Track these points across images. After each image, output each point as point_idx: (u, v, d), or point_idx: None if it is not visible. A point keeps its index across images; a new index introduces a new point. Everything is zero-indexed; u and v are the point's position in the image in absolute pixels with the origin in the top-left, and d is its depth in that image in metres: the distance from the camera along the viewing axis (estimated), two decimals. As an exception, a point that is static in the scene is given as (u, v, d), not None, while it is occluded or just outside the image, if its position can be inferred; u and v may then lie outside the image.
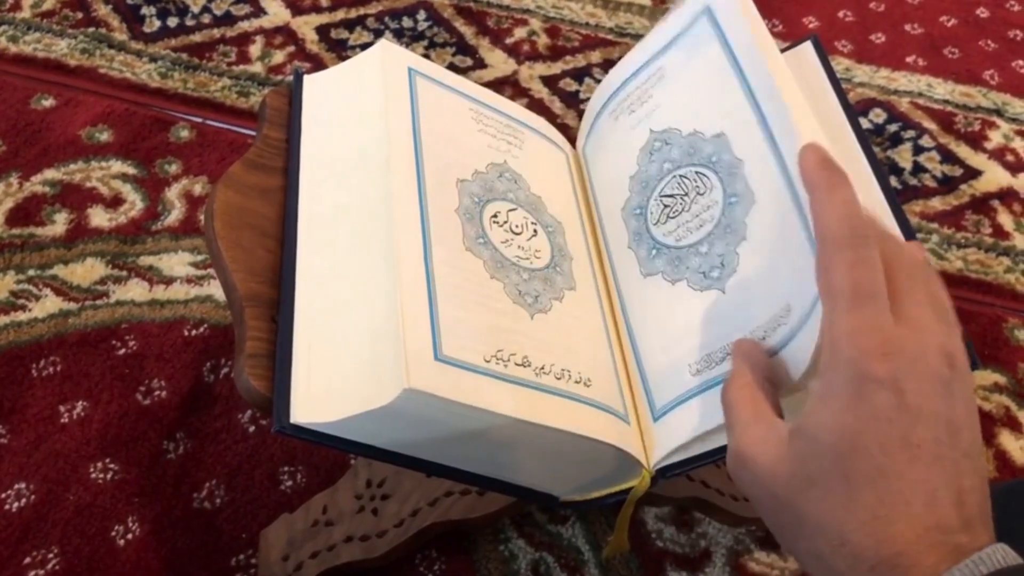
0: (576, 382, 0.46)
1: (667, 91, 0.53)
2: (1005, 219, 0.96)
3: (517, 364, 0.45)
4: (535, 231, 0.53)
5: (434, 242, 0.47)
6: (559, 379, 0.46)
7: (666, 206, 0.51)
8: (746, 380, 0.40)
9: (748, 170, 0.47)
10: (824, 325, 0.36)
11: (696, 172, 0.50)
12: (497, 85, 1.06)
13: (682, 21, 0.53)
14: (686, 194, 0.50)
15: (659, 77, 0.54)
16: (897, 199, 0.48)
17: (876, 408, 0.34)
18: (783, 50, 0.54)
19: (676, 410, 0.47)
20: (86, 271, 0.84)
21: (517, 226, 0.52)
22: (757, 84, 0.47)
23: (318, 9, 1.13)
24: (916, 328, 0.36)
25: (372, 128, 0.52)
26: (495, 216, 0.51)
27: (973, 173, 1.01)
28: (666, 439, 0.47)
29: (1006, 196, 0.99)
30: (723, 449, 0.41)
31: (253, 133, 0.57)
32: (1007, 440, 0.79)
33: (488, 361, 0.44)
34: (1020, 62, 1.14)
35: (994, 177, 1.00)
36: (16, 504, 0.70)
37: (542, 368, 0.45)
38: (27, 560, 0.67)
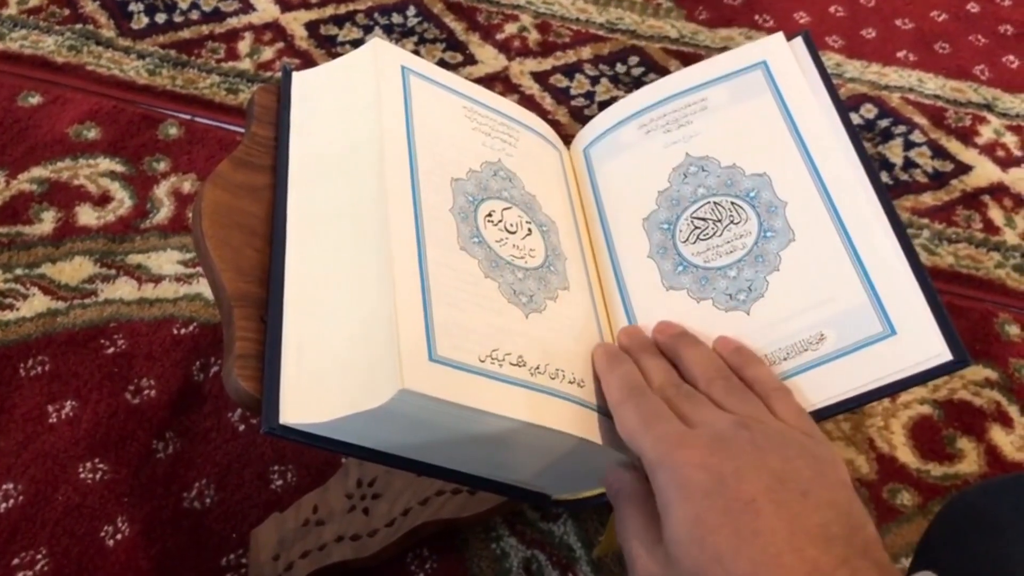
0: (570, 382, 0.46)
1: (709, 122, 0.56)
2: (995, 214, 0.97)
3: (512, 364, 0.44)
4: (529, 230, 0.52)
5: (428, 242, 0.46)
6: (553, 379, 0.46)
7: (697, 227, 0.53)
8: (633, 510, 0.43)
9: (791, 210, 0.51)
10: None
11: (732, 202, 0.53)
12: (487, 81, 1.06)
13: (733, 64, 0.57)
14: (719, 220, 0.53)
15: (702, 107, 0.57)
16: (888, 195, 0.51)
17: (701, 487, 0.38)
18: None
19: None
20: (74, 270, 0.84)
21: (512, 225, 0.52)
22: (811, 138, 0.53)
23: (307, 5, 1.13)
24: (701, 418, 0.42)
25: (364, 126, 0.51)
26: (489, 215, 0.51)
27: (964, 168, 1.01)
28: None
29: (996, 191, 0.99)
30: None
31: (242, 130, 0.56)
32: (998, 435, 0.79)
33: (483, 361, 0.43)
34: (1010, 57, 1.14)
35: (984, 172, 1.00)
36: (4, 505, 0.69)
37: (537, 368, 0.45)
38: (15, 561, 0.67)
